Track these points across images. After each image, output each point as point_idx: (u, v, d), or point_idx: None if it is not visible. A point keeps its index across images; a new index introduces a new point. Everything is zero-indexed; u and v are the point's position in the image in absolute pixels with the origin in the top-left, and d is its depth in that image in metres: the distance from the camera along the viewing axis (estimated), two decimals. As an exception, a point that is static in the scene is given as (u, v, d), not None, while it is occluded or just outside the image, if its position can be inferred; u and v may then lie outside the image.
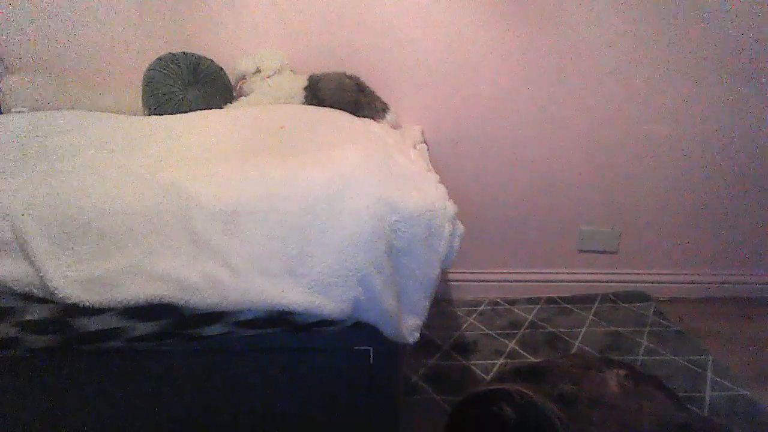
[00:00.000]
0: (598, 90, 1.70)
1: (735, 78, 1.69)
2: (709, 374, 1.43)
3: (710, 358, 1.50)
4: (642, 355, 1.53)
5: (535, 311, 1.79)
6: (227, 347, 0.94)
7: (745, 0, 1.60)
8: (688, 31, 1.64)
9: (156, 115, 1.38)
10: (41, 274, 0.81)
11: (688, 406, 1.23)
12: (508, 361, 1.50)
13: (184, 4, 1.55)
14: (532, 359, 1.51)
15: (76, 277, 0.82)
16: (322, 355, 0.96)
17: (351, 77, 1.49)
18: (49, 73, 1.54)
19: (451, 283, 1.90)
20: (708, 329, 1.69)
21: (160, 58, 1.43)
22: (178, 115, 1.30)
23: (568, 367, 0.97)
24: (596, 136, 1.75)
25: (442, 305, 1.83)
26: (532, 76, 1.68)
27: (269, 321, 0.88)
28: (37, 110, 1.32)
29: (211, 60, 1.49)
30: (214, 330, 0.87)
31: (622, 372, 0.93)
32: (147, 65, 1.43)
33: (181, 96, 1.39)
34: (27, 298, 0.83)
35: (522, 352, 1.55)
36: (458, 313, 1.79)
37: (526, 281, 1.90)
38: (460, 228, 0.95)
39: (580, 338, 1.62)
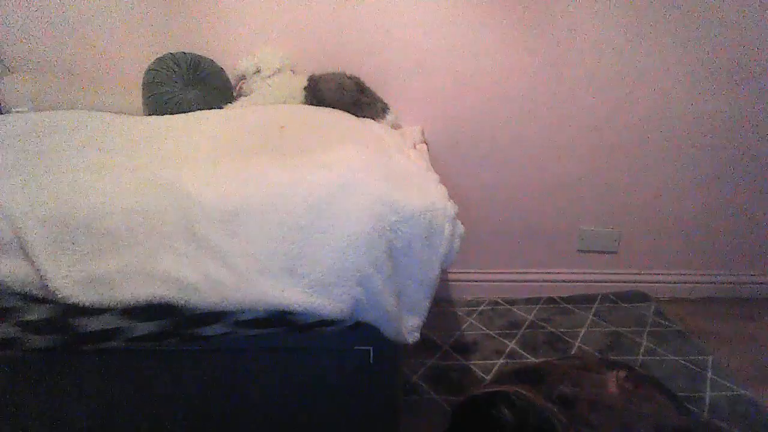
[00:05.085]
0: (598, 90, 1.70)
1: (735, 79, 1.68)
2: (709, 374, 1.43)
3: (710, 358, 1.50)
4: (642, 355, 1.53)
5: (535, 311, 1.79)
6: (227, 347, 0.94)
7: (745, 3, 1.60)
8: (689, 33, 1.63)
9: (156, 115, 1.38)
10: (41, 274, 0.81)
11: (689, 408, 1.23)
12: (508, 361, 1.50)
13: (184, 4, 1.55)
14: (531, 359, 1.51)
15: (76, 277, 0.82)
16: (322, 355, 0.96)
17: (351, 77, 1.49)
18: (49, 73, 1.54)
19: (451, 283, 1.90)
20: (708, 329, 1.69)
21: (160, 58, 1.43)
22: (178, 115, 1.30)
23: (567, 368, 0.97)
24: (596, 136, 1.75)
25: (442, 305, 1.83)
26: (533, 77, 1.68)
27: (269, 321, 0.88)
28: (37, 110, 1.32)
29: (211, 60, 1.49)
30: (214, 330, 0.87)
31: (621, 373, 0.93)
32: (147, 65, 1.43)
33: (181, 96, 1.39)
34: (27, 298, 0.83)
35: (522, 352, 1.55)
36: (458, 313, 1.79)
37: (526, 281, 1.90)
38: (460, 228, 0.95)
39: (580, 338, 1.62)
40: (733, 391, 1.36)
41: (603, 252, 1.90)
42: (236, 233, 0.84)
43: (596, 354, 1.54)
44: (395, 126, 1.53)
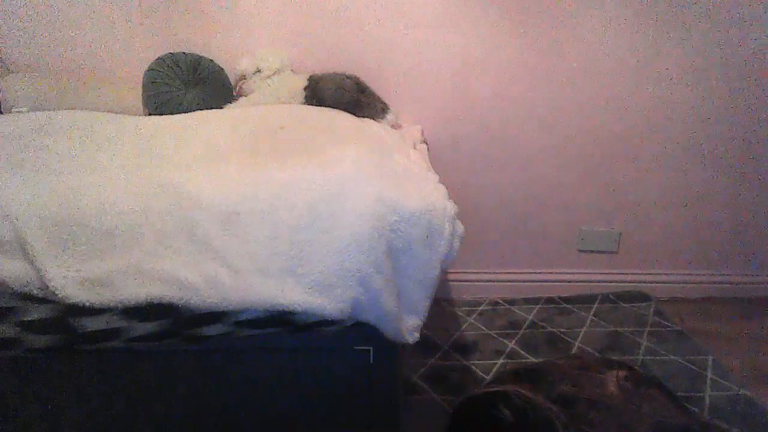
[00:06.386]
0: (598, 90, 1.70)
1: (734, 79, 1.68)
2: (709, 374, 1.43)
3: (710, 358, 1.50)
4: (642, 355, 1.53)
5: (535, 311, 1.79)
6: (227, 347, 0.94)
7: (744, 3, 1.60)
8: (687, 34, 1.63)
9: (156, 115, 1.38)
10: (41, 274, 0.81)
11: (689, 408, 1.23)
12: (508, 361, 1.50)
13: (184, 5, 1.55)
14: (532, 359, 1.51)
15: (76, 277, 0.82)
16: (322, 355, 0.96)
17: (351, 77, 1.49)
18: (49, 73, 1.54)
19: (451, 283, 1.90)
20: (708, 329, 1.69)
21: (160, 58, 1.43)
22: (178, 115, 1.30)
23: (567, 368, 0.97)
24: (596, 136, 1.75)
25: (442, 305, 1.83)
26: (533, 77, 1.68)
27: (269, 321, 0.88)
28: (37, 110, 1.32)
29: (211, 60, 1.49)
30: (214, 330, 0.87)
31: (621, 373, 0.93)
32: (147, 65, 1.43)
33: (181, 96, 1.39)
34: (27, 298, 0.83)
35: (522, 352, 1.55)
36: (458, 313, 1.79)
37: (526, 281, 1.90)
38: (460, 228, 0.95)
39: (580, 338, 1.62)
40: (733, 391, 1.36)
41: (603, 252, 1.90)
42: (236, 233, 0.84)
43: (596, 354, 1.54)
44: (395, 126, 1.53)
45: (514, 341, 1.60)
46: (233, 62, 1.53)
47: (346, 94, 1.44)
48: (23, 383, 0.93)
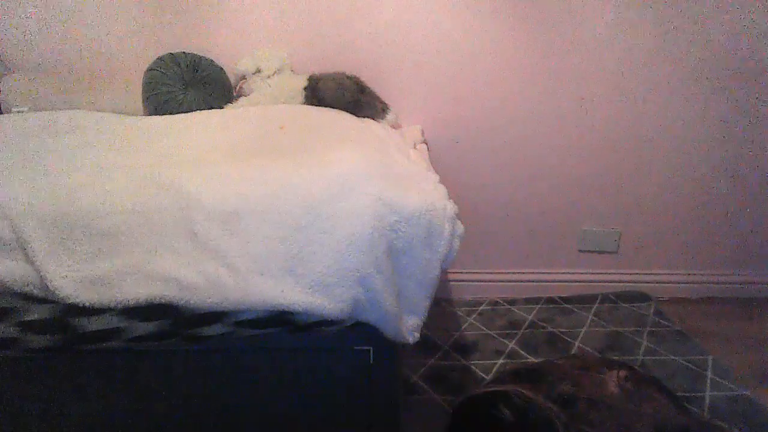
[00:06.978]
0: (598, 90, 1.70)
1: (734, 79, 1.68)
2: (709, 374, 1.43)
3: (710, 358, 1.50)
4: (642, 355, 1.53)
5: (535, 311, 1.79)
6: (227, 347, 0.94)
7: (742, 3, 1.60)
8: (687, 33, 1.63)
9: (156, 115, 1.38)
10: (41, 274, 0.81)
11: (689, 408, 1.23)
12: (508, 361, 1.50)
13: (184, 4, 1.55)
14: (531, 359, 1.51)
15: (76, 277, 0.82)
16: (322, 355, 0.96)
17: (351, 77, 1.49)
18: (49, 73, 1.54)
19: (451, 283, 1.90)
20: (708, 329, 1.69)
21: (160, 58, 1.43)
22: (178, 115, 1.30)
23: (567, 368, 0.97)
24: (596, 136, 1.75)
25: (442, 305, 1.83)
26: (533, 77, 1.68)
27: (269, 321, 0.88)
28: (37, 110, 1.32)
29: (211, 60, 1.49)
30: (214, 330, 0.87)
31: (622, 373, 0.93)
32: (147, 65, 1.43)
33: (181, 96, 1.39)
34: (27, 298, 0.83)
35: (522, 352, 1.55)
36: (458, 313, 1.79)
37: (526, 281, 1.91)
38: (460, 228, 0.95)
39: (580, 338, 1.62)
40: (733, 391, 1.36)
41: (603, 252, 1.90)
42: (236, 233, 0.84)
43: (596, 354, 1.54)
44: (395, 126, 1.53)
45: (514, 341, 1.60)
46: (233, 62, 1.53)
47: (346, 94, 1.44)
48: (23, 383, 0.93)
